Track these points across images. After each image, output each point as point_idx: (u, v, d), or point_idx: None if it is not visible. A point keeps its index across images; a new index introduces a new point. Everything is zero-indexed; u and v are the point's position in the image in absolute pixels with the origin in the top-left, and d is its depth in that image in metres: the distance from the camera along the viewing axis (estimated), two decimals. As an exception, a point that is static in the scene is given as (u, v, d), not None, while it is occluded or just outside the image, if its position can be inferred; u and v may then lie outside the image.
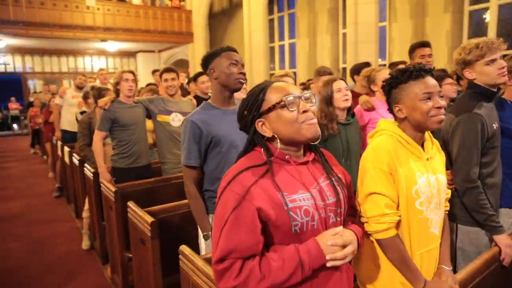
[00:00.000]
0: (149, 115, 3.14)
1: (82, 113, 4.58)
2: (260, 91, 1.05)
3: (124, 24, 11.70)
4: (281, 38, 12.27)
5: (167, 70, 3.13)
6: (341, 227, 1.00)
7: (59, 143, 5.08)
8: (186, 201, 2.22)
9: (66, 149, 4.52)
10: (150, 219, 1.79)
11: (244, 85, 3.19)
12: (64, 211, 4.75)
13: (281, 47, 12.27)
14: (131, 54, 15.62)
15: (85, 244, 3.57)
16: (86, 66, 15.09)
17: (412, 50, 2.99)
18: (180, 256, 1.43)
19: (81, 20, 10.93)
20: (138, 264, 2.02)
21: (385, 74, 2.57)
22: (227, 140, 1.76)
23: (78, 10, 10.87)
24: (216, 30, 13.40)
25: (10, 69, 13.92)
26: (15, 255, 3.48)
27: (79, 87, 5.38)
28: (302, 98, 1.01)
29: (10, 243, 3.78)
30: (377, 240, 1.26)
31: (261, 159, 1.02)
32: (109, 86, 3.82)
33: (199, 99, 3.95)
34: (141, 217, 1.88)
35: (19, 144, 11.51)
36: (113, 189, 2.41)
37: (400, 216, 1.26)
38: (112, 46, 12.96)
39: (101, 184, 2.68)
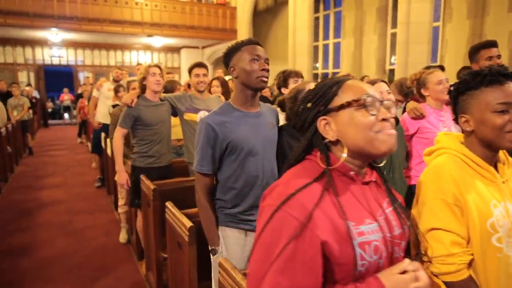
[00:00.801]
0: (175, 112, 3.02)
1: (114, 106, 4.63)
2: (334, 83, 0.86)
3: (170, 20, 11.92)
4: (326, 37, 11.97)
5: (198, 65, 2.98)
6: (407, 261, 0.79)
7: (103, 134, 5.20)
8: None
9: (109, 141, 4.60)
10: (188, 223, 1.70)
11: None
12: (104, 202, 4.85)
13: (325, 46, 11.98)
14: (176, 50, 15.92)
15: (123, 237, 3.59)
16: (132, 60, 15.58)
17: (475, 51, 2.51)
18: (220, 270, 1.32)
19: (129, 16, 11.27)
20: (174, 266, 1.95)
21: (438, 76, 2.30)
22: (245, 147, 1.58)
23: (128, 5, 11.21)
24: (260, 28, 13.32)
25: (63, 61, 14.66)
26: (57, 243, 3.57)
27: (115, 80, 5.46)
28: (384, 104, 0.82)
29: (53, 230, 3.90)
30: (446, 283, 1.05)
31: (318, 171, 0.82)
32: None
33: None
34: (179, 220, 1.80)
35: (68, 133, 12.08)
36: (152, 186, 2.36)
37: (472, 255, 1.03)
38: (158, 41, 13.27)
39: (141, 180, 2.65)
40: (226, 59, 1.64)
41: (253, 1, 12.43)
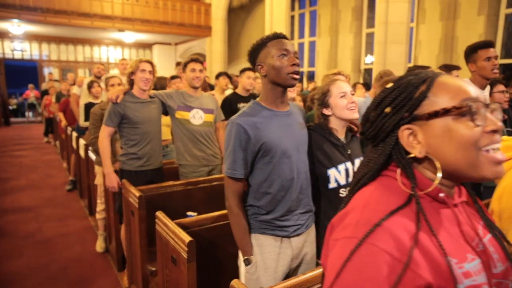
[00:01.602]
0: (166, 111, 2.83)
1: (87, 104, 4.31)
2: (421, 81, 0.67)
3: (142, 14, 11.49)
4: (301, 36, 11.97)
5: (195, 60, 2.80)
6: None
7: (74, 134, 4.86)
8: (220, 212, 1.96)
9: (82, 141, 4.28)
10: (187, 238, 1.52)
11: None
12: (77, 207, 4.53)
13: (301, 45, 11.96)
14: (148, 46, 15.44)
15: (100, 246, 3.32)
16: (102, 56, 14.95)
17: (473, 51, 2.47)
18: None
19: (99, 9, 10.75)
20: (167, 284, 1.76)
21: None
22: (279, 148, 1.48)
23: (97, -2, 10.69)
24: (234, 25, 13.14)
25: (27, 56, 13.84)
26: (25, 254, 3.25)
27: (97, 77, 5.13)
28: (490, 107, 0.64)
29: (20, 240, 3.56)
30: None
31: (401, 193, 0.65)
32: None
33: (236, 95, 3.69)
34: (174, 233, 1.61)
35: (33, 132, 11.40)
36: (137, 193, 2.14)
37: None
38: (129, 36, 12.78)
39: (123, 185, 2.43)
40: (252, 57, 1.54)
41: (228, -3, 12.23)
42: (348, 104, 1.67)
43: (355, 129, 1.80)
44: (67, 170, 6.02)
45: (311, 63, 11.67)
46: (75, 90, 5.35)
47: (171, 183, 2.54)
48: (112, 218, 3.02)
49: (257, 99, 1.57)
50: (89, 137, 3.33)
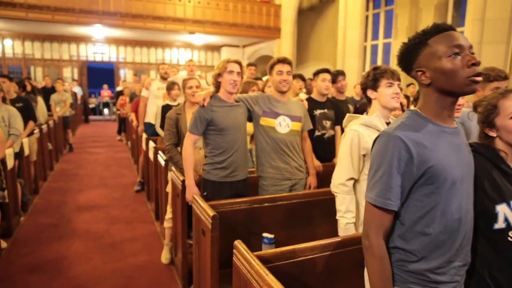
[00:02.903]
0: (250, 116, 2.58)
1: (165, 106, 4.16)
2: None
3: (212, 17, 11.61)
4: (375, 37, 11.19)
5: (282, 60, 2.52)
6: None
7: (144, 136, 4.84)
8: (311, 244, 1.60)
9: (152, 144, 4.21)
10: (277, 285, 1.18)
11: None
12: (144, 210, 4.47)
13: (374, 47, 11.19)
14: (216, 48, 15.66)
15: (165, 257, 3.13)
16: (172, 58, 15.47)
17: None
18: None
19: (172, 12, 11.06)
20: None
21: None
22: (449, 176, 1.09)
23: (171, 2, 11.00)
24: (303, 27, 12.75)
25: (105, 58, 14.79)
26: (94, 259, 3.17)
27: (163, 78, 5.05)
28: None
29: (90, 241, 3.52)
30: None
31: None
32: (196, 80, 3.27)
33: (312, 101, 3.31)
34: (258, 273, 1.28)
35: (107, 129, 12.06)
36: (211, 212, 1.86)
37: None
38: (199, 39, 13.01)
39: (194, 200, 2.17)
40: (405, 62, 1.15)
41: (298, -1, 11.89)
42: None
43: None
44: (136, 170, 6.09)
45: (386, 66, 10.86)
46: (143, 92, 5.27)
47: (245, 199, 2.23)
48: (180, 229, 2.80)
49: (416, 107, 1.18)
50: (164, 143, 3.14)
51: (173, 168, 2.89)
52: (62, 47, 13.99)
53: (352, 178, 1.91)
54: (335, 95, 3.73)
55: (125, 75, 14.90)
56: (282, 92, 2.54)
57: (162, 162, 3.42)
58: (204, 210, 1.94)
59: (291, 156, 2.55)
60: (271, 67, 2.54)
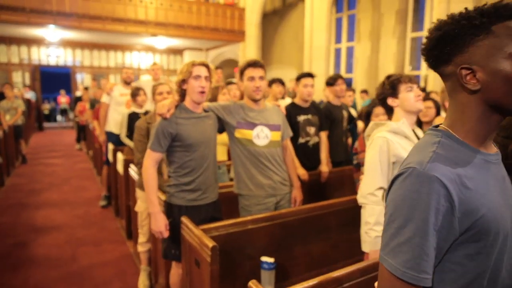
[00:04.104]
0: (222, 127, 2.31)
1: (131, 114, 3.82)
2: None
3: (176, 19, 11.25)
4: (338, 40, 11.38)
5: (253, 64, 2.21)
6: None
7: (111, 146, 4.47)
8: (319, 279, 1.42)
9: (121, 156, 3.87)
10: None
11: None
12: (112, 227, 4.10)
13: (337, 51, 11.37)
14: (178, 52, 15.25)
15: (143, 283, 2.81)
16: (133, 62, 14.86)
17: None
18: None
19: (133, 14, 10.59)
20: None
21: None
22: (501, 227, 0.77)
23: (131, 3, 10.53)
24: (267, 30, 12.75)
25: (61, 62, 13.91)
26: (58, 288, 2.82)
27: (126, 82, 4.69)
28: None
29: (52, 270, 3.12)
30: None
31: None
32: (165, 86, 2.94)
33: (295, 107, 3.15)
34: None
35: (65, 137, 11.30)
36: (210, 244, 1.60)
37: None
38: (161, 42, 12.57)
39: (183, 227, 1.91)
40: (442, 52, 0.79)
41: (262, 2, 11.82)
42: None
43: None
44: (100, 183, 5.66)
45: (349, 69, 11.09)
46: (104, 98, 4.86)
47: (238, 220, 2.02)
48: (159, 251, 2.53)
49: (442, 126, 0.85)
50: (135, 155, 2.83)
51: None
52: (11, 49, 12.98)
53: (381, 188, 1.79)
54: (331, 100, 3.57)
55: (83, 79, 14.09)
56: (256, 100, 2.29)
57: (136, 177, 3.12)
58: (199, 239, 1.70)
59: (273, 170, 2.31)
60: (241, 72, 2.28)
